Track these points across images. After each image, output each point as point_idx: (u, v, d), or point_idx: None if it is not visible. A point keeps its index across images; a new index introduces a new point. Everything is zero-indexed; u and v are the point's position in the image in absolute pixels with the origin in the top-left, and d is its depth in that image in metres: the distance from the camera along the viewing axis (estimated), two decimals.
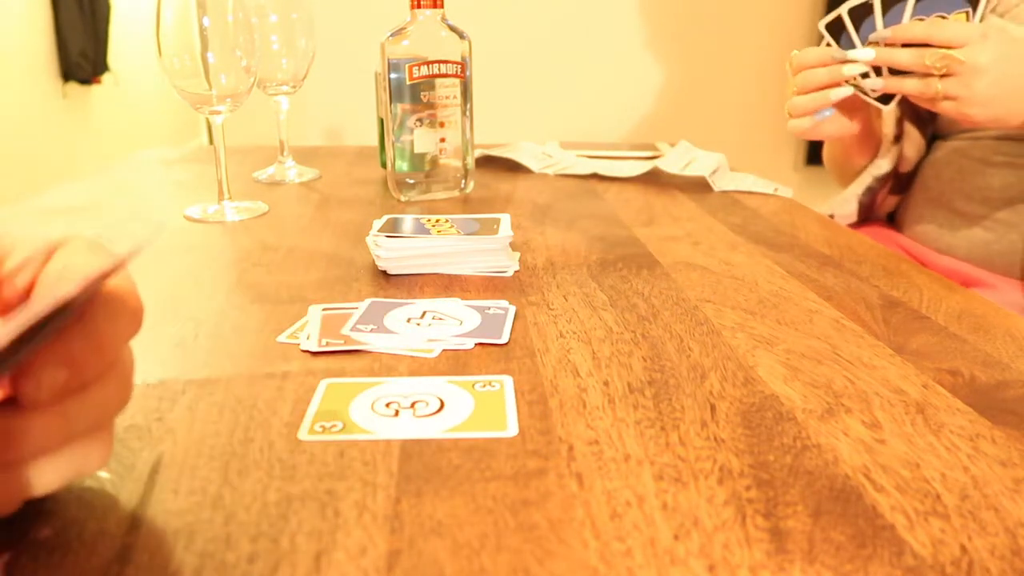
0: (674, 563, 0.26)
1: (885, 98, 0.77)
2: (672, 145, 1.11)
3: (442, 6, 0.76)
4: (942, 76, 0.70)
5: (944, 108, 0.72)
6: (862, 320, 0.48)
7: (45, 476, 0.25)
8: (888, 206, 0.97)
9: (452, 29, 0.77)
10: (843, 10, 0.76)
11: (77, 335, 0.24)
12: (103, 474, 0.30)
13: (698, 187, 0.87)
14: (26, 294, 0.27)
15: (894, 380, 0.40)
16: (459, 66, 0.77)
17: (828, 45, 0.78)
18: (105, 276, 0.24)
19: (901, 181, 0.94)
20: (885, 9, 0.75)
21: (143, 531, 0.27)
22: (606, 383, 0.39)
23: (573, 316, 0.48)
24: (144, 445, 0.33)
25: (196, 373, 0.40)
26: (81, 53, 3.74)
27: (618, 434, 0.34)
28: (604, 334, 0.45)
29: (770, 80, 2.01)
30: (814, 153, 2.07)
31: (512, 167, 0.98)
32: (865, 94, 0.77)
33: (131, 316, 0.26)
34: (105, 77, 3.99)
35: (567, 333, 0.45)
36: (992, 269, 0.83)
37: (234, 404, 0.36)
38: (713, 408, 0.36)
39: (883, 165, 0.90)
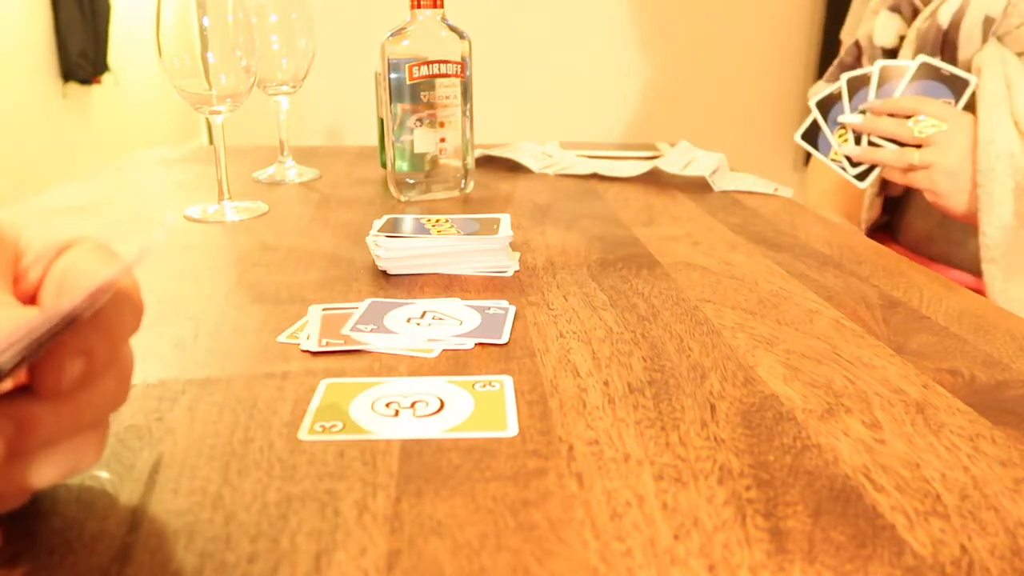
0: (674, 563, 0.26)
1: (862, 176, 0.83)
2: (672, 145, 1.11)
3: (442, 6, 0.76)
4: (918, 147, 0.76)
5: (914, 179, 0.77)
6: (862, 320, 0.48)
7: (45, 469, 0.25)
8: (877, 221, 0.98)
9: (452, 29, 0.77)
10: (844, 80, 0.82)
11: (91, 327, 0.24)
12: (103, 474, 0.30)
13: (698, 187, 0.87)
14: (38, 289, 0.28)
15: (894, 380, 0.40)
16: (459, 66, 0.77)
17: (812, 124, 0.85)
18: (110, 287, 0.24)
19: (888, 204, 0.95)
20: (880, 84, 0.81)
21: (143, 531, 0.27)
22: (606, 383, 0.39)
23: (573, 316, 0.48)
24: (144, 445, 0.33)
25: (196, 373, 0.40)
26: (81, 53, 3.74)
27: (618, 434, 0.34)
28: (604, 334, 0.45)
29: (770, 80, 2.01)
30: None
31: (512, 167, 0.98)
32: (844, 170, 0.83)
33: (134, 312, 0.26)
34: (105, 77, 3.98)
35: (567, 333, 0.45)
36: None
37: (234, 404, 0.36)
38: (713, 408, 0.36)
39: (867, 219, 0.94)
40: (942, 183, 0.75)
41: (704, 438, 0.34)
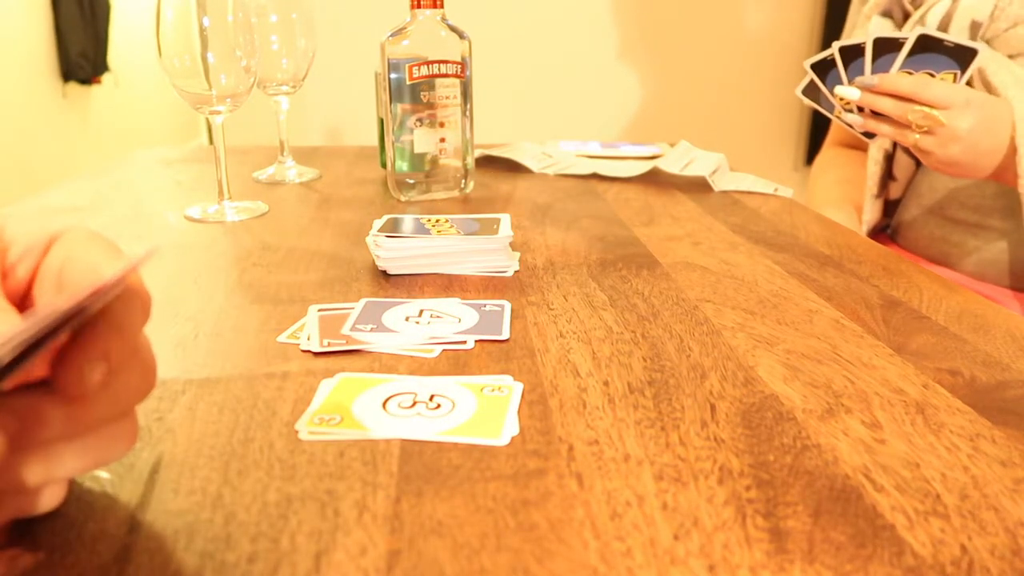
0: (674, 563, 0.26)
1: (869, 134, 0.79)
2: (672, 145, 1.11)
3: (442, 6, 0.76)
4: (920, 132, 0.71)
5: (916, 154, 0.73)
6: (862, 320, 0.48)
7: (69, 461, 0.25)
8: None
9: (452, 29, 0.77)
10: (835, 48, 0.77)
11: (105, 328, 0.24)
12: (103, 474, 0.30)
13: (698, 187, 0.87)
14: (28, 285, 0.27)
15: (894, 380, 0.40)
16: (459, 66, 0.77)
17: (811, 82, 0.80)
18: (119, 283, 0.24)
19: (889, 206, 0.94)
20: (876, 55, 0.75)
21: (143, 531, 0.27)
22: (606, 383, 0.39)
23: (573, 316, 0.48)
24: (144, 445, 0.33)
25: (196, 373, 0.40)
26: (81, 53, 3.74)
27: (618, 434, 0.34)
28: (604, 334, 0.45)
29: (770, 80, 2.01)
30: (814, 153, 2.07)
31: (512, 167, 0.98)
32: (850, 126, 0.79)
33: (143, 306, 0.26)
34: (105, 77, 3.99)
35: (567, 333, 0.45)
36: (983, 279, 0.83)
37: (234, 404, 0.36)
38: (713, 408, 0.36)
39: (868, 221, 0.92)
40: (944, 170, 0.73)
41: (704, 438, 0.34)
